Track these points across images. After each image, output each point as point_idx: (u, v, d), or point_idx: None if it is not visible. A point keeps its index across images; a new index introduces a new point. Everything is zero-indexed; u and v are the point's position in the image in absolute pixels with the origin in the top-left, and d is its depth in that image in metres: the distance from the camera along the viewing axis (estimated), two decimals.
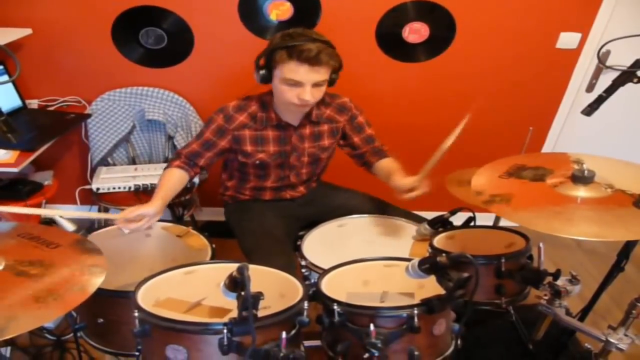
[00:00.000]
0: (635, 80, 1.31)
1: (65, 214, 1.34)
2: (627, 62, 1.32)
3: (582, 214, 1.16)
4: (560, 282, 1.29)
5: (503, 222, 2.00)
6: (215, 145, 1.67)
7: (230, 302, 0.97)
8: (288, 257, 1.56)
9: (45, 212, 1.37)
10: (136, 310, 1.02)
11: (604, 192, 1.20)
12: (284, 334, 0.94)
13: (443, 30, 2.39)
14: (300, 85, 1.49)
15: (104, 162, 2.48)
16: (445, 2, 2.31)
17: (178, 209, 2.43)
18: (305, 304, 1.07)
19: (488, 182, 1.32)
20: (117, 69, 2.40)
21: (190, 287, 1.21)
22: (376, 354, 1.02)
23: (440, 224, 1.61)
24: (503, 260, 1.32)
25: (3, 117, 1.22)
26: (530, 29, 2.40)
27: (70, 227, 1.31)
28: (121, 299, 1.19)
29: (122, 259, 1.48)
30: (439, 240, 1.53)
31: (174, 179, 1.62)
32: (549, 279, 1.30)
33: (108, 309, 1.22)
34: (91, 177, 2.47)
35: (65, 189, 2.57)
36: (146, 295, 1.11)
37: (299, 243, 1.63)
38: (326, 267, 1.36)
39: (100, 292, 1.01)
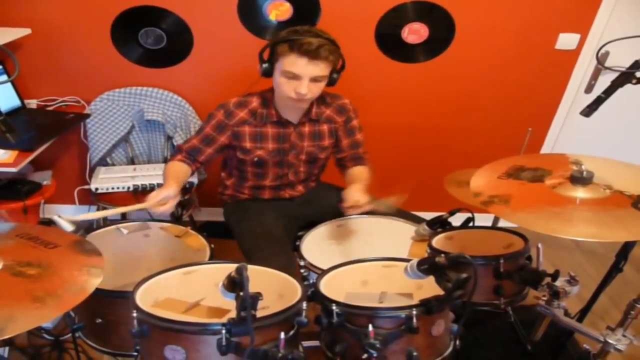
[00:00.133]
0: (634, 81, 1.31)
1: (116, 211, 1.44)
2: (626, 63, 1.32)
3: (581, 215, 1.16)
4: (558, 283, 1.29)
5: (502, 223, 2.00)
6: (214, 140, 1.67)
7: (229, 303, 0.97)
8: (287, 257, 1.56)
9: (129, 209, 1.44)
10: (134, 311, 1.02)
11: (603, 193, 1.20)
12: (282, 335, 0.94)
13: (442, 31, 2.39)
14: (298, 78, 1.50)
15: (102, 162, 2.48)
16: (445, 2, 2.31)
17: (177, 209, 2.43)
18: (304, 305, 1.07)
19: (487, 182, 1.32)
20: (116, 69, 2.40)
21: (189, 287, 1.21)
22: (374, 355, 1.02)
23: (439, 225, 1.61)
24: (502, 261, 1.32)
25: (2, 116, 1.22)
26: (529, 30, 2.40)
27: (68, 227, 1.30)
28: (119, 299, 1.18)
29: (121, 259, 1.48)
30: (437, 241, 1.54)
31: (180, 169, 1.64)
32: (548, 279, 1.30)
33: (106, 309, 1.21)
34: (90, 177, 2.47)
35: (64, 189, 2.57)
36: (145, 296, 1.11)
37: (297, 243, 1.63)
38: (325, 267, 1.36)
39: (98, 292, 1.01)
